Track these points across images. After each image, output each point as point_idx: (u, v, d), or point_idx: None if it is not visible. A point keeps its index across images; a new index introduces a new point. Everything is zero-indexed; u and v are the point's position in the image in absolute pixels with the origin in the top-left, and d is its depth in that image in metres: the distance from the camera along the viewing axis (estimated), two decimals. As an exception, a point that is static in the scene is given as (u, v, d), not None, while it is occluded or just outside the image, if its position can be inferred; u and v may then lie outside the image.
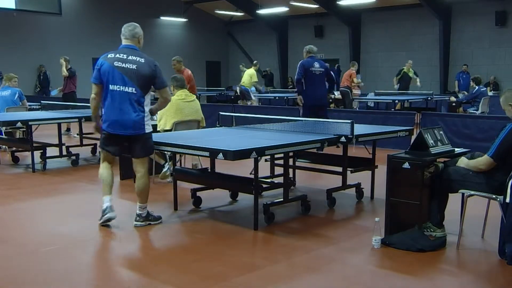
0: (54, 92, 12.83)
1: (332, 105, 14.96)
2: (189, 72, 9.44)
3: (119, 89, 4.55)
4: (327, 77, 8.82)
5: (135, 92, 4.55)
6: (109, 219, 4.76)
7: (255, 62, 16.32)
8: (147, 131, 4.67)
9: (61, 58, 11.78)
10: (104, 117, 4.69)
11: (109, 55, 4.61)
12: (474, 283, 3.68)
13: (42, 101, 11.03)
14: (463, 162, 4.27)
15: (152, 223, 4.86)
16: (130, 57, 4.56)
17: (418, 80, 15.68)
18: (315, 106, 8.65)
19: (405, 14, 19.82)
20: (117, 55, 4.59)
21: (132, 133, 4.62)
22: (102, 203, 4.80)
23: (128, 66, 4.54)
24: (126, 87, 4.54)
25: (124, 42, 4.70)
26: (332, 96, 14.77)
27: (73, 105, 10.09)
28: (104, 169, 4.87)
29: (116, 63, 4.55)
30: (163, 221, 4.98)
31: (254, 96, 15.89)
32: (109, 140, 4.75)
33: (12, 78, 9.63)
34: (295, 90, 8.99)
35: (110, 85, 4.56)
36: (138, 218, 4.82)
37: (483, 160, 4.09)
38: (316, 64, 8.58)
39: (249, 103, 15.14)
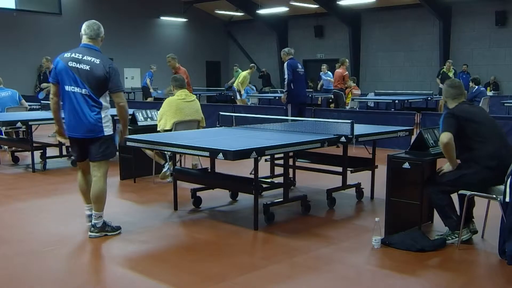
0: (41, 95, 12.70)
1: (332, 105, 14.97)
2: (184, 69, 9.43)
3: (73, 90, 4.33)
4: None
5: (88, 93, 4.31)
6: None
7: (251, 65, 16.32)
8: (106, 133, 4.43)
9: (44, 58, 11.54)
10: (65, 120, 4.51)
11: (65, 54, 4.39)
12: (474, 283, 3.68)
13: (42, 101, 11.03)
14: (444, 167, 4.32)
15: (109, 234, 4.55)
16: (85, 57, 4.33)
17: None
18: (301, 104, 9.48)
19: (405, 14, 19.82)
20: (73, 55, 4.36)
21: (87, 136, 4.39)
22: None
23: (82, 67, 4.31)
24: (80, 88, 4.31)
25: (85, 41, 4.45)
26: None
27: None
28: (78, 177, 4.69)
29: (70, 63, 4.33)
30: (163, 221, 4.98)
31: (248, 96, 15.92)
32: (72, 144, 4.61)
33: None
34: (285, 90, 9.29)
35: (65, 86, 4.36)
36: (93, 228, 4.53)
37: (441, 138, 4.13)
38: (299, 65, 9.37)
39: (238, 103, 15.19)
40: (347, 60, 13.87)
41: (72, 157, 8.14)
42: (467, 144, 4.16)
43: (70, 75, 4.33)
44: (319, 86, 17.18)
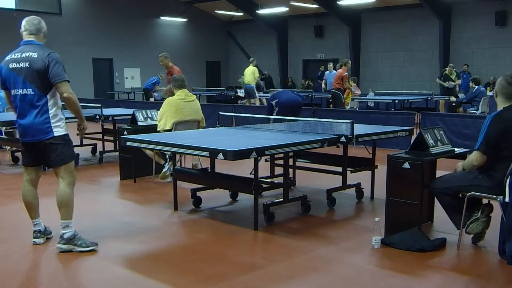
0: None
1: (331, 106, 14.97)
2: (178, 69, 9.33)
3: (18, 92, 4.04)
4: None
5: (32, 92, 4.00)
6: (36, 244, 4.29)
7: (251, 59, 16.12)
8: (56, 134, 4.04)
9: None
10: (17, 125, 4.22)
11: (7, 57, 4.10)
12: (474, 283, 3.68)
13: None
14: (459, 167, 4.29)
15: (77, 249, 4.10)
16: (24, 54, 4.02)
17: (459, 82, 15.07)
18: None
19: (405, 14, 19.83)
20: (12, 56, 4.08)
21: (35, 139, 4.06)
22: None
23: (22, 65, 4.00)
24: (23, 89, 4.01)
25: (25, 37, 4.13)
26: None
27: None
28: (24, 188, 4.28)
29: (11, 65, 4.05)
30: (163, 221, 4.96)
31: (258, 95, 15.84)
32: (23, 149, 4.24)
33: None
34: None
35: (11, 90, 4.09)
36: (60, 239, 4.14)
37: (473, 156, 4.11)
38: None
39: (252, 101, 15.07)
40: (349, 61, 13.59)
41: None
42: (500, 155, 4.01)
43: (13, 77, 4.05)
44: (323, 85, 17.06)
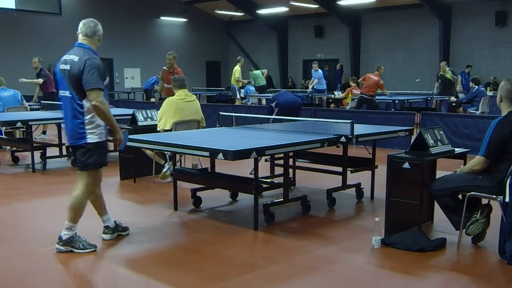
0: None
1: (332, 105, 14.98)
2: (180, 71, 9.29)
3: (62, 94, 4.11)
4: None
5: (70, 95, 4.01)
6: (105, 240, 4.44)
7: (238, 58, 15.79)
8: (89, 140, 4.02)
9: (36, 58, 11.45)
10: None
11: (62, 57, 4.14)
12: (474, 283, 3.68)
13: (42, 101, 11.03)
14: (461, 170, 4.29)
15: (75, 251, 4.11)
16: (70, 57, 4.02)
17: (459, 81, 14.81)
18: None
19: (405, 14, 19.82)
20: (63, 57, 4.10)
21: (71, 143, 4.11)
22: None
23: (65, 68, 4.02)
24: (65, 91, 4.06)
25: (79, 40, 4.13)
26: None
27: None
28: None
29: (60, 66, 4.09)
30: (163, 221, 4.97)
31: (248, 96, 15.82)
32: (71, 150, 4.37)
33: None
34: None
35: (59, 91, 4.17)
36: (58, 240, 4.16)
37: (476, 161, 4.11)
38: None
39: (237, 102, 15.09)
40: (382, 67, 12.94)
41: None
42: (502, 157, 4.02)
43: (59, 78, 4.13)
44: (310, 86, 16.82)
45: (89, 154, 4.05)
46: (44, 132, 11.60)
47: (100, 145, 4.12)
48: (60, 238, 4.15)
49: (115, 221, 4.53)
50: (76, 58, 3.98)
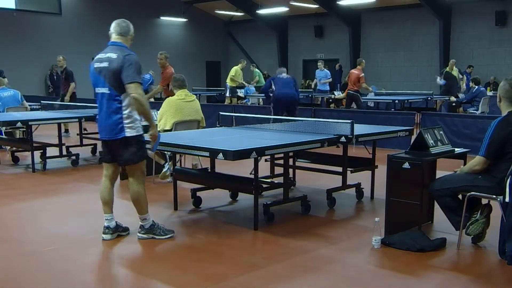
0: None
1: (332, 105, 14.97)
2: (172, 70, 9.12)
3: (99, 91, 4.26)
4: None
5: (108, 92, 4.18)
6: (105, 240, 4.44)
7: (241, 60, 16.03)
8: (127, 134, 4.19)
9: (60, 56, 11.51)
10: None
11: (95, 57, 4.34)
12: (474, 283, 3.68)
13: (41, 101, 11.03)
14: (461, 170, 4.29)
15: (156, 237, 4.45)
16: (107, 55, 4.21)
17: (464, 80, 14.75)
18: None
19: (405, 14, 19.82)
20: (98, 55, 4.29)
21: (110, 138, 4.25)
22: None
23: (103, 65, 4.20)
24: (102, 88, 4.22)
25: (113, 38, 4.32)
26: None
27: (73, 105, 10.09)
28: (102, 184, 4.50)
29: (96, 65, 4.27)
30: (163, 221, 4.95)
31: (248, 95, 15.86)
32: (102, 145, 4.49)
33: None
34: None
35: (95, 88, 4.31)
36: (140, 229, 4.50)
37: (476, 161, 4.11)
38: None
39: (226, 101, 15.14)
40: (363, 61, 12.99)
41: (73, 158, 8.17)
42: (502, 157, 4.02)
43: (96, 76, 4.27)
44: (313, 84, 16.95)
45: (131, 149, 4.25)
46: (66, 131, 11.60)
47: (141, 138, 4.32)
48: (141, 227, 4.46)
49: (116, 222, 4.53)
50: (114, 56, 4.17)
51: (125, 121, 4.19)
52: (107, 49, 4.29)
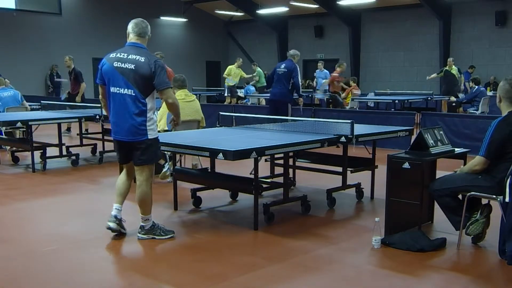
0: (64, 96, 12.73)
1: (331, 106, 14.96)
2: (169, 69, 9.17)
3: (118, 91, 4.23)
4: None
5: (133, 94, 4.20)
6: (109, 228, 4.47)
7: (237, 58, 16.08)
8: (150, 136, 4.28)
9: (67, 57, 11.42)
10: (110, 122, 4.44)
11: (111, 55, 4.30)
12: (474, 283, 3.68)
13: (41, 101, 11.03)
14: (461, 170, 4.29)
15: (157, 237, 4.46)
16: (130, 56, 4.22)
17: (462, 79, 14.74)
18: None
19: (405, 14, 19.82)
20: (118, 55, 4.27)
21: (130, 139, 4.29)
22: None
23: (127, 66, 4.19)
24: (125, 89, 4.21)
25: (132, 39, 4.34)
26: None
27: (72, 105, 10.10)
28: (120, 176, 4.63)
29: (116, 64, 4.23)
30: (163, 221, 4.96)
31: (248, 95, 15.87)
32: (115, 146, 4.53)
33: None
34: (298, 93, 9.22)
35: (110, 87, 4.28)
36: (140, 230, 4.50)
37: (476, 161, 4.11)
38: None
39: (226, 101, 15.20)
40: (344, 64, 13.46)
41: (73, 158, 8.17)
42: (502, 157, 4.03)
43: (115, 76, 4.23)
44: (314, 83, 16.99)
45: (150, 150, 4.32)
46: (68, 129, 11.59)
47: (157, 139, 4.41)
48: (141, 227, 4.47)
49: (120, 218, 4.54)
50: (142, 59, 4.20)
51: (148, 123, 4.26)
52: (127, 49, 4.29)
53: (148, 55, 4.25)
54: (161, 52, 9.39)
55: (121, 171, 4.68)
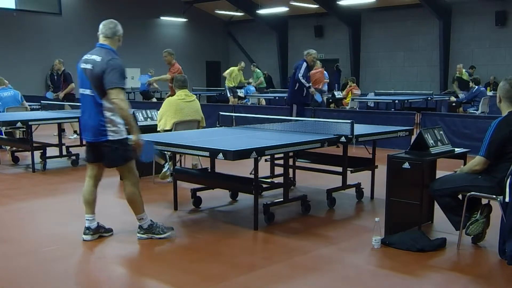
0: (49, 95, 12.76)
1: (332, 105, 14.97)
2: (178, 66, 9.33)
3: (83, 92, 4.25)
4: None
5: (92, 94, 4.16)
6: (85, 241, 4.40)
7: (240, 62, 16.26)
8: (110, 138, 4.17)
9: (56, 60, 11.55)
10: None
11: (83, 57, 4.30)
12: (474, 283, 3.68)
13: (41, 101, 11.03)
14: (461, 170, 4.29)
15: (155, 236, 4.46)
16: (92, 57, 4.18)
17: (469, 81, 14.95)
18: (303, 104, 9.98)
19: (405, 14, 19.82)
20: (85, 56, 4.26)
21: (93, 140, 4.25)
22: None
23: (87, 67, 4.17)
24: (86, 90, 4.21)
25: (100, 40, 4.28)
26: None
27: (71, 105, 10.10)
28: (85, 184, 4.49)
29: (82, 65, 4.24)
30: (163, 221, 4.96)
31: (248, 96, 15.88)
32: (86, 147, 4.51)
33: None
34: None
35: (79, 88, 4.31)
36: (139, 230, 4.50)
37: (476, 161, 4.11)
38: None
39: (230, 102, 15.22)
40: (319, 62, 13.66)
41: (73, 158, 8.17)
42: (502, 157, 4.02)
43: (82, 77, 4.26)
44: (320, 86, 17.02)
45: (115, 151, 4.22)
46: (75, 132, 11.58)
47: (122, 142, 4.25)
48: (140, 227, 4.46)
49: (98, 222, 4.49)
50: (98, 59, 4.14)
51: (107, 125, 4.17)
52: (94, 50, 4.26)
53: (107, 54, 4.15)
54: (170, 49, 9.45)
55: (89, 174, 4.49)
